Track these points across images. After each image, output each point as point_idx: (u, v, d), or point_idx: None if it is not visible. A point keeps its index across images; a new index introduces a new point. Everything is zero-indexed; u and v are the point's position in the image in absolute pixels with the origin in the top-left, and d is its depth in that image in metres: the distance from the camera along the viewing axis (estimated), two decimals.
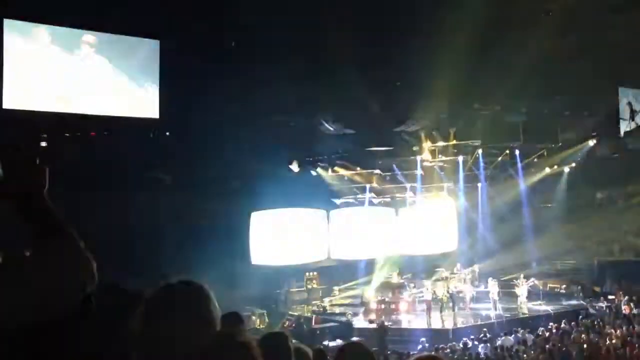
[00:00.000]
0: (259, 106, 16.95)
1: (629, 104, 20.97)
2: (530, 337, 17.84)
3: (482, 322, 20.96)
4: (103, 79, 15.05)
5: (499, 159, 23.61)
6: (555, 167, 24.59)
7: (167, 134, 16.86)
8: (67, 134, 15.98)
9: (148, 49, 15.39)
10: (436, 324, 21.12)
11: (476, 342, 17.75)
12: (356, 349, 3.17)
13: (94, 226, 15.13)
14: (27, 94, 14.12)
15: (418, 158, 22.33)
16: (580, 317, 20.53)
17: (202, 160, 18.25)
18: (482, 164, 23.92)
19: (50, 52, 14.27)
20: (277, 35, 14.60)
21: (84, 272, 1.75)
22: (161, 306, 1.86)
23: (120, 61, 15.18)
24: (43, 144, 15.67)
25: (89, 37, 14.80)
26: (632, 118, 21.08)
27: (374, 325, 20.58)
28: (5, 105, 13.53)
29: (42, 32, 14.15)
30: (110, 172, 16.39)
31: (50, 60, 14.34)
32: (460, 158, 23.03)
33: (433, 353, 16.32)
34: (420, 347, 17.86)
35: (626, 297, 22.17)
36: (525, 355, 15.52)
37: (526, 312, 22.11)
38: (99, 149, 16.21)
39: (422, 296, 23.23)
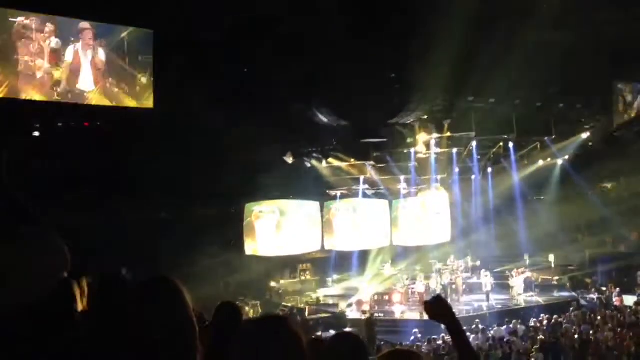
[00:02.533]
0: (253, 97, 16.92)
1: (623, 96, 21.01)
2: (521, 328, 17.96)
3: (475, 314, 21.09)
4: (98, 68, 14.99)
5: (493, 151, 23.68)
6: (549, 159, 24.65)
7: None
8: (60, 124, 15.91)
9: (142, 39, 15.33)
10: None
11: (468, 333, 17.85)
12: (348, 339, 3.19)
13: (89, 216, 15.17)
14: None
15: (412, 150, 22.35)
16: (572, 308, 20.68)
17: (196, 152, 18.21)
18: (476, 157, 23.97)
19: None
20: (273, 27, 14.57)
21: (57, 256, 1.75)
22: (131, 305, 1.88)
23: (115, 50, 15.11)
24: (36, 133, 15.61)
25: (85, 24, 14.74)
26: (626, 111, 21.13)
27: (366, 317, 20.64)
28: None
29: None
30: (103, 163, 16.34)
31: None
32: (454, 150, 23.08)
33: (425, 344, 16.42)
34: (412, 338, 17.95)
35: (617, 289, 22.33)
36: (516, 347, 15.61)
37: (521, 304, 22.27)
38: (92, 139, 16.14)
39: (415, 288, 23.33)
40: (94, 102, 15.06)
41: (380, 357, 2.32)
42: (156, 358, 1.81)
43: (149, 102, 15.48)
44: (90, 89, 14.98)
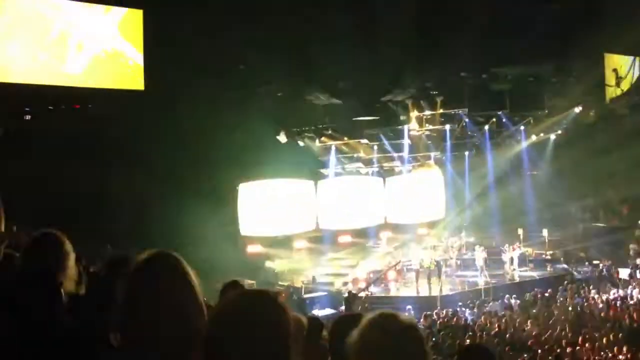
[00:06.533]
0: (246, 77, 16.81)
1: (615, 70, 20.99)
2: (516, 303, 18.09)
3: (469, 289, 21.22)
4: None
5: (486, 127, 23.65)
6: (542, 134, 24.66)
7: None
8: (51, 107, 15.79)
9: (132, 20, 15.17)
10: (424, 292, 21.35)
11: (464, 309, 18.00)
12: (352, 319, 3.22)
13: (78, 196, 15.12)
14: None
15: (405, 127, 22.31)
16: (566, 282, 20.83)
17: (189, 132, 18.10)
18: (469, 133, 23.95)
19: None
20: (264, 6, 14.47)
21: None
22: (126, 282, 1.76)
23: (104, 32, 14.94)
24: (27, 117, 15.49)
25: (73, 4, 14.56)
26: (618, 84, 21.13)
27: (362, 294, 20.72)
28: None
29: None
30: (94, 144, 16.24)
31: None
32: (447, 127, 23.05)
33: (421, 320, 16.55)
34: (406, 314, 18.05)
35: (609, 262, 22.48)
36: (511, 321, 15.74)
37: (515, 278, 22.39)
38: (83, 121, 16.01)
39: (410, 264, 23.43)
40: (84, 85, 14.93)
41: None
42: (158, 344, 1.68)
43: (139, 85, 15.35)
44: (79, 71, 14.84)
